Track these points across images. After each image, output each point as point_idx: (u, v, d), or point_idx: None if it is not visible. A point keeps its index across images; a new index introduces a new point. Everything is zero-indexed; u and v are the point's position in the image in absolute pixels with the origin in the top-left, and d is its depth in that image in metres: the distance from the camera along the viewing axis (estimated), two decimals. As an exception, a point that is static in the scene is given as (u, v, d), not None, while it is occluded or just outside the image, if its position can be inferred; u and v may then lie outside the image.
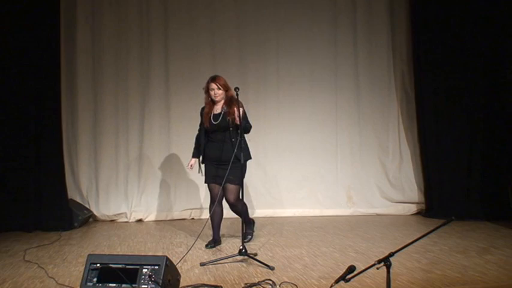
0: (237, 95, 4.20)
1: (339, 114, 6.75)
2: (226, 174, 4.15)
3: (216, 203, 4.42)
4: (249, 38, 6.54)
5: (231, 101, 4.36)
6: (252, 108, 6.24)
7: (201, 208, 6.28)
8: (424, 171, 6.49)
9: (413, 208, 6.62)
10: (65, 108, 6.03)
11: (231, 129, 4.32)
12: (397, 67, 6.75)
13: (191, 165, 4.47)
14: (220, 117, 4.37)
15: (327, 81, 6.70)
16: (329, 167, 6.69)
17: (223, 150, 4.36)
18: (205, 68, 6.21)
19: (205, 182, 4.50)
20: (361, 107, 6.74)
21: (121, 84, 6.34)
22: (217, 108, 4.44)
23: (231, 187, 4.34)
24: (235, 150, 4.12)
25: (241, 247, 4.06)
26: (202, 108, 4.51)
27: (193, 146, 4.68)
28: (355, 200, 6.62)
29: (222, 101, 4.43)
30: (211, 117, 4.40)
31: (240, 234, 4.26)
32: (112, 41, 6.30)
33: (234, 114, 4.26)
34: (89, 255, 3.09)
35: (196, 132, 4.69)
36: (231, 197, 4.40)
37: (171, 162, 6.42)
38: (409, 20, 6.59)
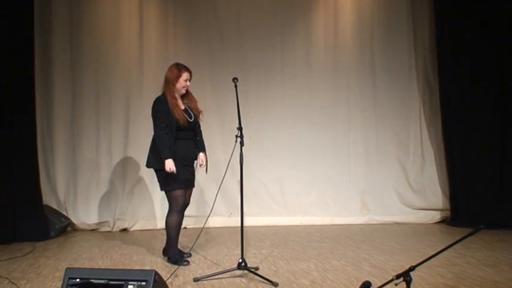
0: (236, 86, 4.24)
1: (352, 108, 6.79)
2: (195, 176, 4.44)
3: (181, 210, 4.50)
4: (250, 21, 6.59)
5: (188, 95, 4.49)
6: (253, 102, 6.44)
7: (195, 216, 6.30)
8: (449, 173, 6.51)
9: (436, 216, 6.65)
10: (39, 101, 6.06)
11: (197, 126, 4.51)
12: (418, 54, 6.79)
13: (171, 168, 4.32)
14: (192, 114, 4.46)
15: (338, 71, 6.74)
16: (341, 169, 6.74)
17: (192, 149, 4.49)
18: (202, 56, 6.29)
19: (176, 189, 4.37)
20: (378, 100, 6.79)
21: (102, 74, 6.37)
22: (180, 103, 4.48)
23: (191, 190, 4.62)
24: (197, 149, 4.49)
25: (240, 260, 4.06)
26: (162, 101, 4.37)
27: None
28: (370, 206, 6.68)
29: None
30: (185, 113, 4.43)
31: (240, 246, 4.25)
32: (92, 25, 6.35)
33: (198, 110, 4.50)
34: (67, 269, 3.08)
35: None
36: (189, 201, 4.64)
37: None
38: (431, 1, 6.63)
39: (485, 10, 6.13)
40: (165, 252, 4.66)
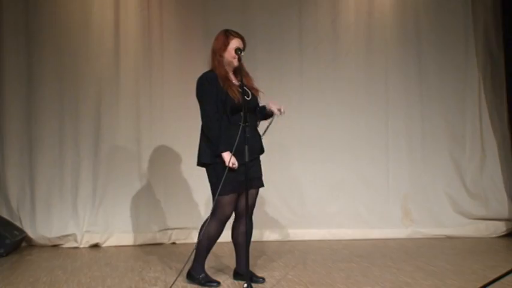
0: (239, 59, 4.31)
1: (391, 89, 6.83)
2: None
3: (242, 219, 4.52)
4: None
5: (241, 71, 4.45)
6: (261, 80, 6.22)
7: (185, 228, 6.33)
8: (517, 172, 6.55)
9: (501, 227, 6.68)
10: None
11: (257, 109, 4.56)
12: (478, 18, 6.83)
13: (233, 164, 4.31)
14: (250, 92, 4.48)
15: (372, 41, 6.77)
16: (376, 169, 6.81)
17: (255, 139, 4.52)
18: (194, 23, 6.41)
19: (228, 193, 4.37)
20: (424, 78, 6.84)
21: (67, 51, 6.42)
22: (233, 79, 4.53)
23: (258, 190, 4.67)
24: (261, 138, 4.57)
25: (245, 285, 4.08)
26: (209, 78, 4.41)
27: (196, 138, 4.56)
28: (414, 215, 6.73)
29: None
30: (240, 89, 4.39)
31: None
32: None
33: (255, 89, 4.54)
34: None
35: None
36: (255, 202, 4.67)
37: (140, 162, 6.49)
38: None
39: None
40: (189, 274, 4.66)
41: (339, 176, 6.74)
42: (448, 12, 6.80)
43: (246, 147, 4.16)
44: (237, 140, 4.20)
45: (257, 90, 4.55)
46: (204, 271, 4.57)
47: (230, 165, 4.26)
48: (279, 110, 4.48)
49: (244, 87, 4.41)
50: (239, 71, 4.43)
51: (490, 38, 6.80)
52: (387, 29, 6.82)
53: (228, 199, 4.41)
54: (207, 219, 4.49)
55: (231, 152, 4.25)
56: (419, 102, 6.82)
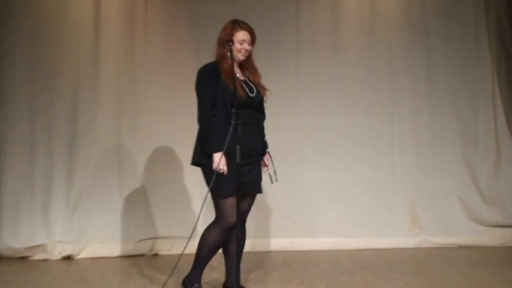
0: (231, 51, 4.27)
1: (397, 84, 6.79)
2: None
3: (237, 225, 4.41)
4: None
5: (250, 66, 4.53)
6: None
7: (169, 237, 6.24)
8: (537, 174, 6.61)
9: (519, 235, 6.67)
10: None
11: (261, 107, 4.56)
12: (490, 6, 6.85)
13: (223, 167, 4.24)
14: (255, 89, 4.45)
15: (376, 32, 6.75)
16: (381, 170, 6.76)
17: (255, 138, 4.46)
18: (182, 14, 6.48)
19: (228, 196, 4.26)
20: (433, 73, 6.87)
21: (41, 45, 6.32)
22: (239, 73, 4.52)
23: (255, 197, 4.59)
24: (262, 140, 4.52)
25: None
26: (210, 69, 4.37)
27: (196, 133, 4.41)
28: (423, 223, 6.67)
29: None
30: (245, 85, 4.42)
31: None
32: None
33: (262, 86, 4.52)
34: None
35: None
36: (249, 211, 4.60)
37: (120, 164, 6.37)
38: None
39: None
40: (183, 283, 4.59)
41: (340, 180, 6.67)
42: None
43: (238, 147, 4.11)
44: (227, 139, 4.14)
45: (264, 88, 4.51)
46: (199, 283, 4.46)
47: (220, 167, 4.15)
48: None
49: (250, 83, 4.44)
50: (247, 67, 4.49)
51: (504, 27, 6.82)
52: (392, 19, 6.82)
53: (229, 202, 4.24)
54: (209, 225, 4.40)
55: (224, 151, 4.19)
56: (428, 99, 6.80)
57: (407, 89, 6.82)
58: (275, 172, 4.48)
